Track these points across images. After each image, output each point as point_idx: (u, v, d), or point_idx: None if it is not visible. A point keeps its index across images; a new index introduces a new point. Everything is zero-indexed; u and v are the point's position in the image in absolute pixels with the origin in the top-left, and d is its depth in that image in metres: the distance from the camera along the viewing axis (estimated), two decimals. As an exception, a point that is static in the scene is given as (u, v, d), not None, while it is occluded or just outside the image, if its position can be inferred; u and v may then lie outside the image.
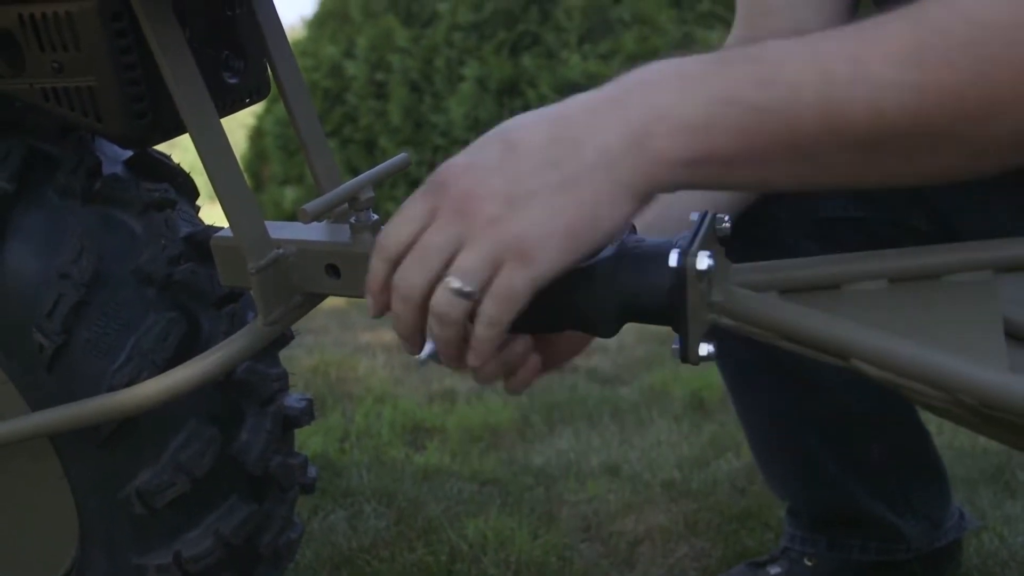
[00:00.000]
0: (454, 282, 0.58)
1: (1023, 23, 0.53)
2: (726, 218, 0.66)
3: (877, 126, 0.56)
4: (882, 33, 0.56)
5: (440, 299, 0.59)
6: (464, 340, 0.61)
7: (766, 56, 0.57)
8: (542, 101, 4.06)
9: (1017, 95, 0.54)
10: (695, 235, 0.63)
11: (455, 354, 0.62)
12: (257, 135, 5.61)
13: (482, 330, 0.59)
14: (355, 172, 4.76)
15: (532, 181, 0.57)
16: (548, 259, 0.57)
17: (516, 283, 0.57)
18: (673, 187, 0.58)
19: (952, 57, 0.54)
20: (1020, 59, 0.53)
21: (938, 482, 1.21)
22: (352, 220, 0.73)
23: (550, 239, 0.57)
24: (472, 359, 0.61)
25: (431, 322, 0.60)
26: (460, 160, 0.59)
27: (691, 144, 0.56)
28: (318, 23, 5.27)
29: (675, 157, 0.56)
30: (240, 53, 0.83)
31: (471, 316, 0.59)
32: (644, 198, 0.58)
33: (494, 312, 0.58)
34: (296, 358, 2.27)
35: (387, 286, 0.62)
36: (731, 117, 0.56)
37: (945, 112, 0.55)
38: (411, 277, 0.59)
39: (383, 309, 0.63)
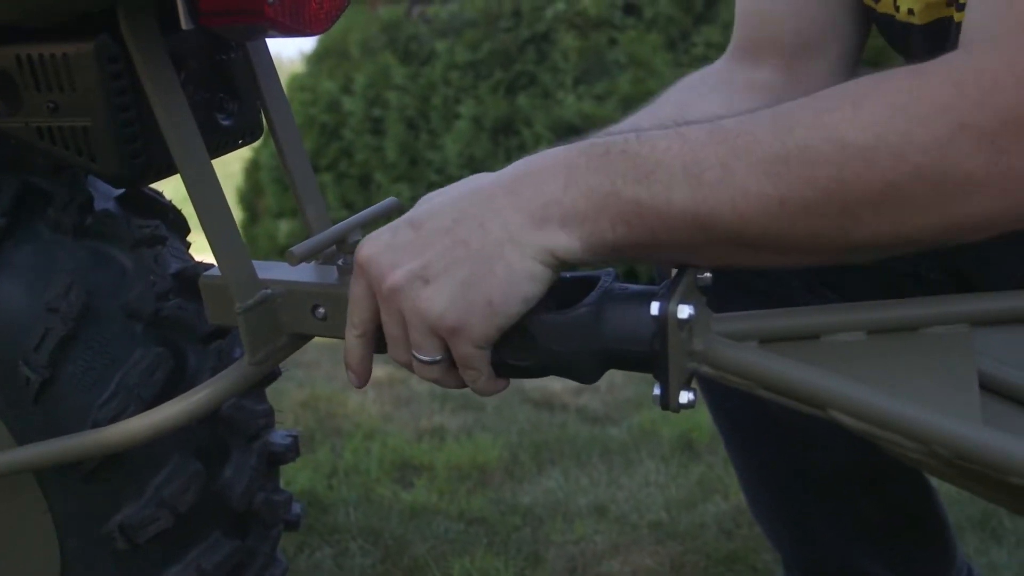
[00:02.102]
0: (417, 356, 0.66)
1: (882, 145, 0.56)
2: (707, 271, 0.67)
3: (742, 229, 0.59)
4: (752, 141, 0.58)
5: (418, 368, 0.67)
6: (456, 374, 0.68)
7: (643, 152, 0.61)
8: (537, 140, 4.09)
9: (876, 210, 0.57)
10: (676, 284, 0.64)
11: (456, 384, 0.69)
12: (253, 168, 5.64)
13: (468, 376, 0.67)
14: (350, 206, 4.78)
15: (442, 260, 0.62)
16: (476, 329, 0.63)
17: (464, 350, 0.64)
18: (578, 262, 0.63)
19: (812, 174, 0.57)
20: (879, 179, 0.56)
21: (941, 540, 1.16)
22: (340, 262, 0.74)
23: (470, 313, 0.62)
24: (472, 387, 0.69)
25: None
26: (375, 240, 0.66)
27: (582, 231, 0.61)
28: (317, 59, 5.31)
29: (570, 242, 0.61)
30: (234, 95, 0.84)
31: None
32: (556, 267, 0.63)
33: (467, 372, 0.66)
34: (286, 392, 2.27)
35: (365, 359, 0.71)
36: (612, 208, 0.60)
37: (806, 222, 0.58)
38: (396, 355, 0.68)
39: (365, 381, 0.72)
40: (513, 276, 0.62)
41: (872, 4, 0.89)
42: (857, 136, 0.56)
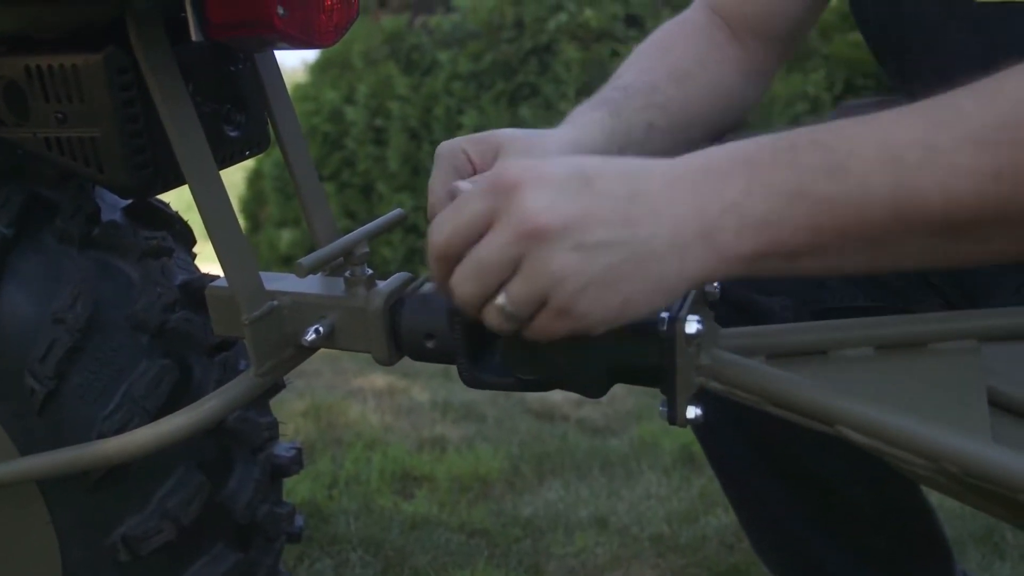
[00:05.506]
0: (505, 306, 0.56)
1: None
2: (715, 284, 0.67)
3: (950, 213, 0.53)
4: (955, 114, 0.53)
5: (490, 313, 0.58)
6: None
7: (834, 143, 0.55)
8: (539, 150, 4.09)
9: None
10: (684, 300, 0.64)
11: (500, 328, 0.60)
12: (255, 177, 5.65)
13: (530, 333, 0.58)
14: (352, 216, 4.78)
15: (605, 232, 0.55)
16: (592, 321, 0.56)
17: (555, 328, 0.56)
18: (730, 279, 0.58)
19: None
20: None
21: (943, 563, 1.15)
22: (347, 274, 0.74)
23: (602, 306, 0.55)
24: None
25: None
26: (532, 170, 0.56)
27: (758, 239, 0.55)
28: (320, 68, 5.33)
29: (741, 252, 0.55)
30: (241, 107, 0.85)
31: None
32: (697, 286, 0.62)
33: (534, 335, 0.58)
34: (287, 402, 2.26)
35: (446, 285, 0.59)
36: (800, 210, 0.55)
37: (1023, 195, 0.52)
38: (467, 288, 0.58)
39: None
40: (659, 287, 0.55)
41: None
42: None
